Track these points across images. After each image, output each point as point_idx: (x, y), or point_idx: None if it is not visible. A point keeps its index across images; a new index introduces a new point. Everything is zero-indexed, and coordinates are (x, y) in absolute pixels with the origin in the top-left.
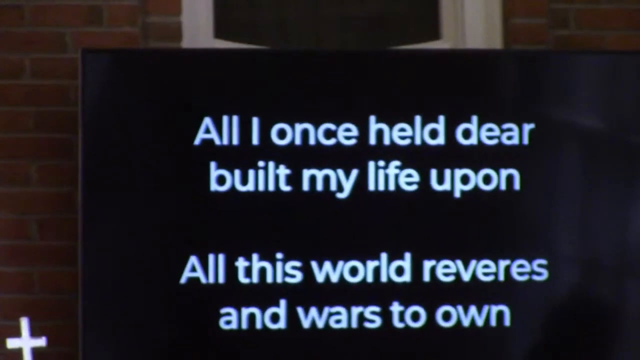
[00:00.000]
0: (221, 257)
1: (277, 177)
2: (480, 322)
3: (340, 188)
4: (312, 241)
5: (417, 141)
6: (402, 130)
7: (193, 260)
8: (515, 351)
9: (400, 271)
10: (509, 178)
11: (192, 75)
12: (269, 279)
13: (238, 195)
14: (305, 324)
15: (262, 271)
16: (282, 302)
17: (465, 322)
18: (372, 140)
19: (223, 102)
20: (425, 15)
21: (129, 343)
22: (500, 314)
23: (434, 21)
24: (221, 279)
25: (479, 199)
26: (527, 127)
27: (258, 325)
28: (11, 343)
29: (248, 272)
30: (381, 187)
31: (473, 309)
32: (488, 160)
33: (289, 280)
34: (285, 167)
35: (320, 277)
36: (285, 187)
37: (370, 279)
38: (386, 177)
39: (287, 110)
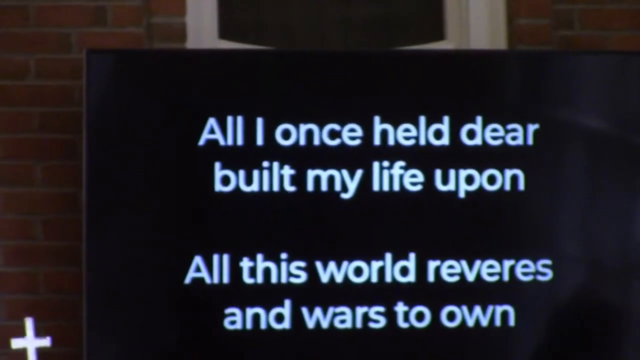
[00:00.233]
0: (226, 257)
1: (281, 178)
2: (484, 322)
3: (344, 188)
4: (317, 241)
5: (422, 141)
6: (407, 130)
7: (197, 260)
8: (520, 351)
9: (404, 271)
10: (514, 178)
11: (196, 75)
12: (274, 279)
13: (242, 195)
14: (310, 324)
15: (267, 271)
16: (287, 302)
17: (470, 322)
18: (377, 141)
19: (227, 103)
20: (430, 15)
21: (133, 343)
22: (504, 314)
23: (438, 22)
24: (226, 279)
25: (484, 199)
26: (532, 127)
27: (263, 326)
28: (16, 343)
29: (252, 272)
30: (386, 188)
31: (477, 309)
32: (492, 161)
33: (293, 280)
34: (290, 168)
35: (324, 278)
36: (289, 188)
37: (374, 279)
38: (391, 177)
39: (292, 110)
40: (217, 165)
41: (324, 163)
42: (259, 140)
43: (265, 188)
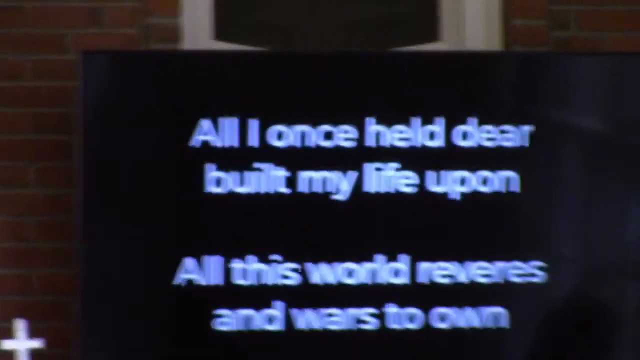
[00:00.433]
0: (217, 258)
1: (274, 179)
2: (476, 324)
3: (337, 190)
4: (309, 243)
5: (416, 143)
6: (401, 132)
7: (189, 261)
8: (512, 353)
9: (396, 273)
10: (508, 180)
11: (191, 76)
12: (265, 281)
13: (235, 196)
14: (301, 325)
15: (258, 273)
16: (278, 304)
17: (462, 324)
18: (370, 142)
19: (221, 104)
20: (425, 16)
21: (126, 344)
22: (496, 316)
23: (433, 23)
24: (217, 281)
25: (477, 201)
26: (526, 129)
27: (254, 327)
28: (8, 345)
29: (244, 273)
30: (379, 189)
31: (469, 311)
32: (486, 162)
33: (285, 281)
34: (283, 169)
35: (316, 279)
36: (282, 189)
37: (366, 280)
38: (384, 179)
39: (285, 111)
40: (210, 166)
41: (317, 164)
42: (252, 142)
43: (258, 189)
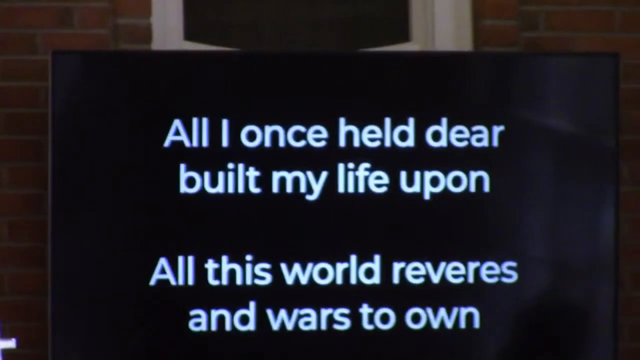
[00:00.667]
0: (190, 259)
1: (246, 179)
2: (449, 324)
3: (309, 190)
4: (282, 243)
5: (387, 143)
6: (372, 132)
7: (162, 262)
8: (484, 353)
9: (369, 273)
10: (479, 180)
11: (162, 77)
12: (239, 281)
13: (208, 197)
14: (275, 325)
15: (232, 273)
16: (252, 304)
17: (435, 324)
18: (342, 142)
19: (193, 104)
20: (395, 17)
21: (99, 345)
22: (469, 316)
23: (403, 23)
24: (191, 281)
25: (449, 201)
26: (497, 129)
27: (227, 327)
28: None
29: (217, 274)
30: (351, 189)
31: (442, 311)
32: (458, 163)
33: (258, 282)
34: (255, 169)
35: (289, 279)
36: (254, 189)
37: (339, 281)
38: (356, 179)
39: (257, 112)
40: (183, 166)
41: (289, 165)
42: (224, 142)
43: (231, 190)
